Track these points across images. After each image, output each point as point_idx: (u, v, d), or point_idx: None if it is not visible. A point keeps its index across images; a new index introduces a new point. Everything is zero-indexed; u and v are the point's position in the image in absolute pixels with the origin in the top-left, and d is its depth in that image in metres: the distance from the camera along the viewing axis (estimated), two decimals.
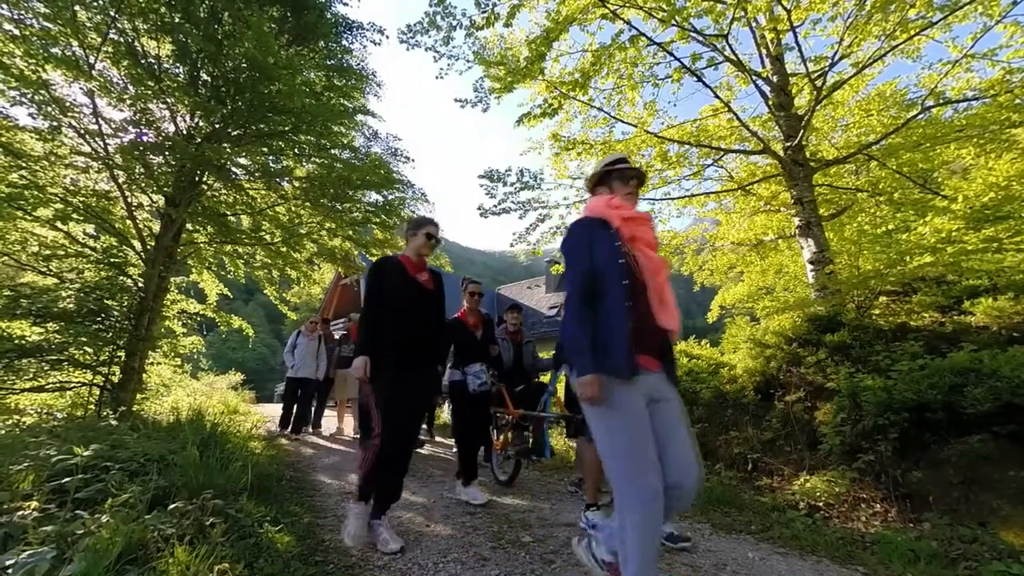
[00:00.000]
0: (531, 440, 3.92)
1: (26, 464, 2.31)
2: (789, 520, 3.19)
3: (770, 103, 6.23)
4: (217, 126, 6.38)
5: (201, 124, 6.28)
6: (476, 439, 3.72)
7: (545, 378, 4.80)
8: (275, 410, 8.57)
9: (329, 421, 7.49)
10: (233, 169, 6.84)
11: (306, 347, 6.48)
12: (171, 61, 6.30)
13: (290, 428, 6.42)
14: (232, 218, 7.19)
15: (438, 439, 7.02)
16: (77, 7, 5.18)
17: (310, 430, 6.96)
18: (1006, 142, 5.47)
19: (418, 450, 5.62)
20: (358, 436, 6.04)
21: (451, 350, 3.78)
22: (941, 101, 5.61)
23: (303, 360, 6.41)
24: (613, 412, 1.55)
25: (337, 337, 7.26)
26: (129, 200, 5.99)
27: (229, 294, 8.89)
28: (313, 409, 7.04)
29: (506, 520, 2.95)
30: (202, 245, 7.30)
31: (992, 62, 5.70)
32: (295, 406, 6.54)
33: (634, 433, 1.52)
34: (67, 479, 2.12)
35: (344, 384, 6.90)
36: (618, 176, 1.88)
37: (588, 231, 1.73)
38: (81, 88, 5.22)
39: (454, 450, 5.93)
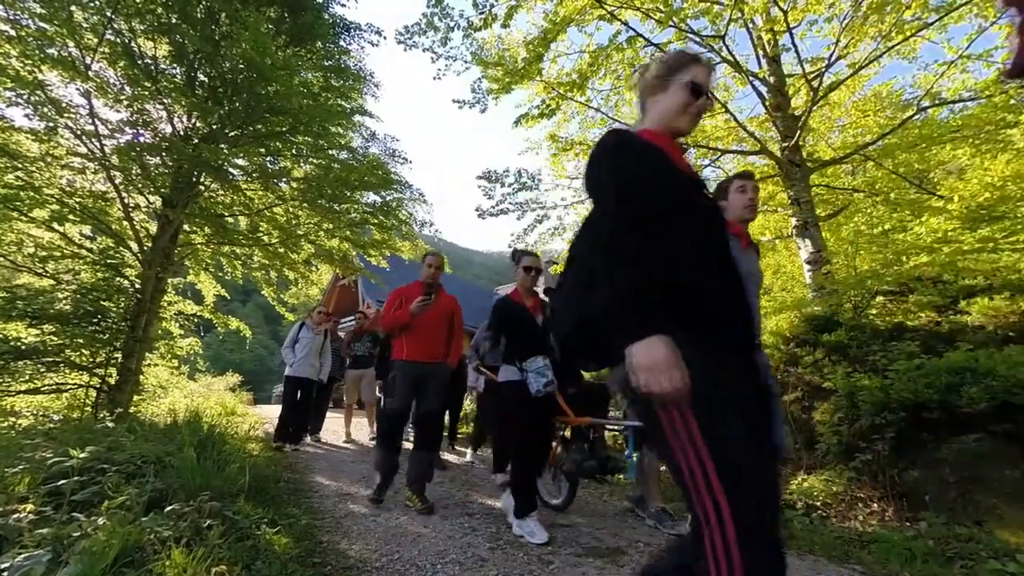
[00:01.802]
0: (594, 453, 3.06)
1: (22, 466, 2.31)
2: (786, 519, 3.20)
3: (767, 104, 6.24)
4: (214, 127, 6.37)
5: (198, 125, 6.27)
6: (539, 458, 2.94)
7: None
8: (273, 411, 8.46)
9: (331, 423, 7.31)
10: (230, 170, 6.82)
11: (311, 342, 5.56)
12: (168, 62, 6.29)
13: (290, 440, 5.38)
14: (230, 219, 7.17)
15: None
16: (73, 7, 5.16)
17: (307, 438, 6.17)
18: (1001, 143, 5.50)
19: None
20: (373, 440, 5.39)
21: (486, 339, 3.34)
22: (937, 102, 5.64)
23: (306, 357, 5.50)
24: None
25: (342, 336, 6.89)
26: (126, 201, 5.97)
27: (226, 295, 8.86)
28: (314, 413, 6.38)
29: (504, 521, 2.94)
30: (199, 246, 7.28)
31: (987, 63, 5.74)
32: (294, 411, 5.52)
33: None
34: (63, 481, 2.11)
35: (355, 387, 6.27)
36: None
37: None
38: (77, 89, 5.20)
39: (470, 459, 5.21)
